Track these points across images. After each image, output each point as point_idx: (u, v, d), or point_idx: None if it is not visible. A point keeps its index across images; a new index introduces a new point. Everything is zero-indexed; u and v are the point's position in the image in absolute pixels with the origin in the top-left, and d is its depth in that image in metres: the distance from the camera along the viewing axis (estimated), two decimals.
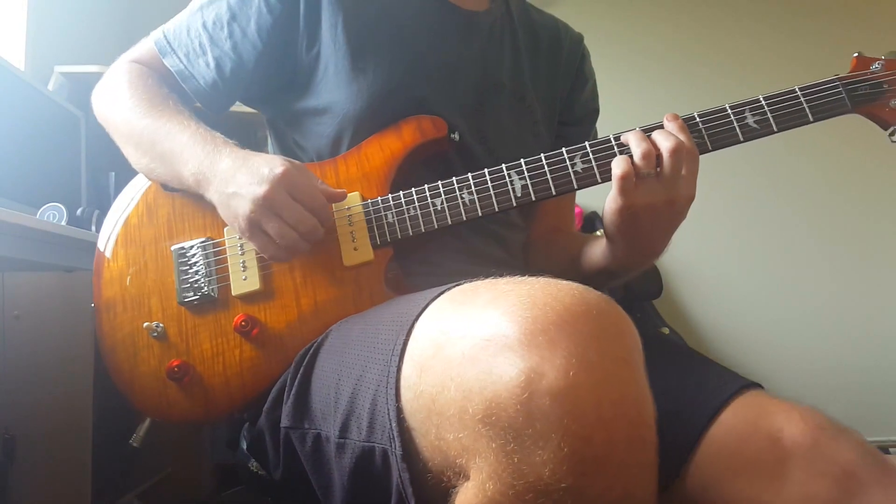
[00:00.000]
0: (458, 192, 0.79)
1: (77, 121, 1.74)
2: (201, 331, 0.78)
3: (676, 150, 0.73)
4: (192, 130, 0.79)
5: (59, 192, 1.52)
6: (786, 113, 0.77)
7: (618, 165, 0.74)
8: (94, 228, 1.39)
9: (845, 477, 0.60)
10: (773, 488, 0.61)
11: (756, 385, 0.71)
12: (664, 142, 0.73)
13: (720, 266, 2.62)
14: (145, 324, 0.78)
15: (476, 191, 0.79)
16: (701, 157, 0.77)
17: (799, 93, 0.77)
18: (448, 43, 0.91)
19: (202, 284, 0.78)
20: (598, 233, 2.43)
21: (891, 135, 0.78)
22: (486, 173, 0.79)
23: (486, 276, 0.63)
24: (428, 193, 0.79)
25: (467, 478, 0.48)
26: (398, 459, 0.54)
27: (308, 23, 0.85)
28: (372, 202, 0.80)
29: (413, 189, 0.80)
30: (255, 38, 0.85)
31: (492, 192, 0.79)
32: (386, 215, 0.79)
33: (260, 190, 0.71)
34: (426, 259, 0.83)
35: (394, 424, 0.54)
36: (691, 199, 0.75)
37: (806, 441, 0.62)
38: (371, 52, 0.85)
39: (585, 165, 0.78)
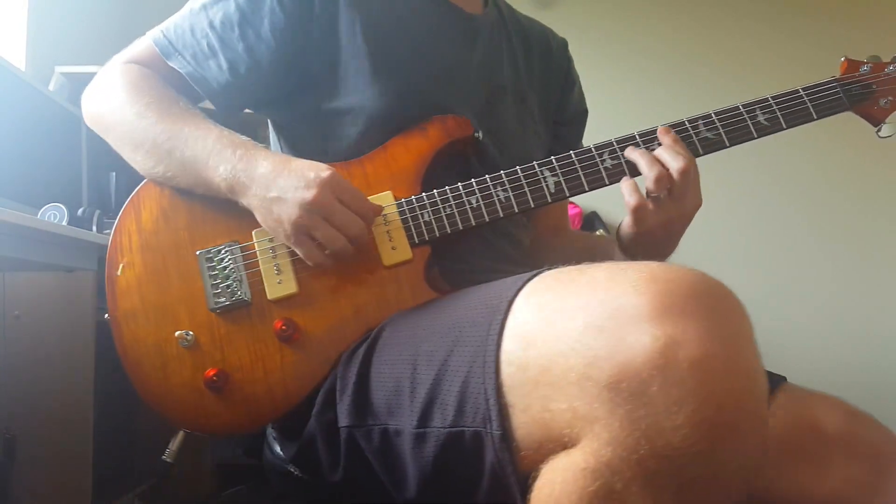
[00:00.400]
0: (492, 190, 0.80)
1: (78, 121, 1.74)
2: (236, 337, 0.75)
3: (686, 171, 0.75)
4: (217, 134, 0.77)
5: (60, 193, 1.52)
6: (792, 111, 0.82)
7: (631, 196, 0.77)
8: (94, 228, 1.39)
9: (877, 458, 0.66)
10: (819, 473, 0.67)
11: (783, 378, 0.76)
12: (673, 162, 0.76)
13: (718, 265, 2.61)
14: (177, 333, 0.74)
15: (511, 188, 0.80)
16: (709, 156, 0.81)
17: (802, 93, 0.83)
18: (455, 45, 0.92)
19: (235, 289, 0.76)
20: (598, 232, 2.43)
21: (878, 131, 0.86)
22: (519, 171, 0.81)
23: (516, 274, 0.71)
24: (462, 191, 0.80)
25: (572, 447, 0.50)
26: (496, 440, 0.55)
27: (323, 23, 0.84)
28: (406, 201, 0.80)
29: (447, 187, 0.81)
30: (269, 39, 0.83)
31: (526, 188, 0.80)
32: (422, 214, 0.79)
33: (308, 194, 0.70)
34: (459, 257, 0.85)
35: (492, 401, 0.55)
36: (699, 205, 0.79)
37: (844, 428, 0.68)
38: (389, 52, 0.85)
39: (614, 162, 0.81)
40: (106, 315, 0.78)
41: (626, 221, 0.80)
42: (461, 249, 0.85)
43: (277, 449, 0.82)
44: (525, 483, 0.54)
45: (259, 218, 0.75)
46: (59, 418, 1.31)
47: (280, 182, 0.72)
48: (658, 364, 0.45)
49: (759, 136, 0.82)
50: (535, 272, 0.61)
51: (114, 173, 1.73)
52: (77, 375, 1.32)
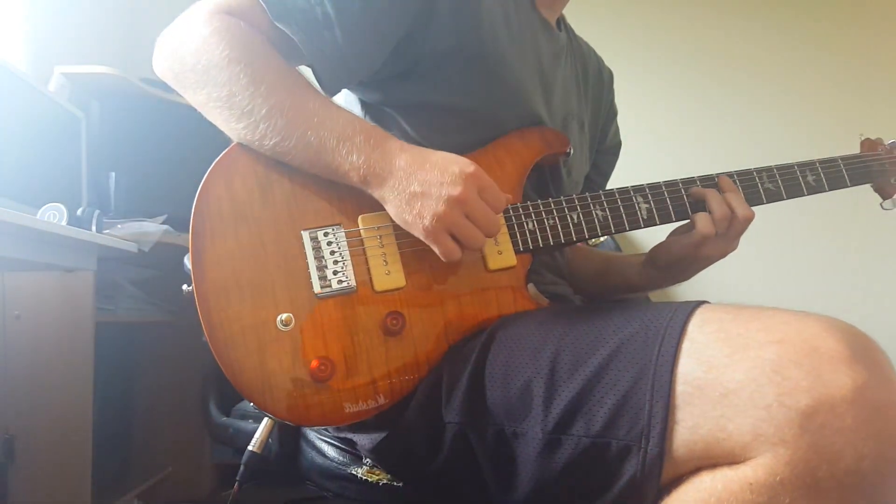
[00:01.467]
0: (592, 209, 0.83)
1: (78, 121, 1.74)
2: (339, 326, 0.72)
3: (749, 219, 0.86)
4: (345, 118, 0.73)
5: (60, 193, 1.52)
6: (833, 176, 0.94)
7: (705, 225, 0.84)
8: (94, 228, 1.39)
9: None
10: None
11: None
12: (740, 209, 0.85)
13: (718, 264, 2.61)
14: (281, 316, 0.70)
15: (609, 209, 0.83)
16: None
17: (840, 162, 0.95)
18: (549, 60, 0.93)
19: (343, 276, 0.73)
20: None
21: (882, 203, 1.02)
22: (616, 193, 0.84)
23: (564, 286, 0.87)
24: (565, 205, 0.82)
25: (740, 462, 0.54)
26: (649, 457, 0.57)
27: (442, 11, 0.81)
28: (512, 208, 0.80)
29: (550, 199, 0.82)
30: (392, 19, 0.78)
31: (622, 211, 0.83)
32: (527, 222, 0.80)
33: (455, 191, 0.69)
34: (533, 269, 0.85)
35: (657, 419, 0.57)
36: (734, 250, 0.89)
37: None
38: (500, 55, 0.85)
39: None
40: (186, 286, 0.73)
41: (682, 242, 0.87)
42: (536, 261, 0.86)
43: (332, 452, 0.81)
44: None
45: (393, 211, 0.72)
46: (59, 418, 1.31)
47: (422, 176, 0.70)
48: (853, 401, 0.51)
49: (808, 194, 0.92)
50: (696, 302, 0.64)
51: (114, 173, 1.73)
52: (77, 375, 1.32)
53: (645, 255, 0.95)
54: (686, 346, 0.59)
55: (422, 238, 0.72)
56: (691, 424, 0.56)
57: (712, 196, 0.85)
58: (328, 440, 0.83)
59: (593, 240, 2.61)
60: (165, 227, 1.49)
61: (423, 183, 0.70)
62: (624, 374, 0.61)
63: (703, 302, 0.65)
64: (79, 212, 1.39)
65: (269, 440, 0.86)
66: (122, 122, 1.81)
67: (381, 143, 0.72)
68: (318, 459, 0.82)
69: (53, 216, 1.30)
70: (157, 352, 1.88)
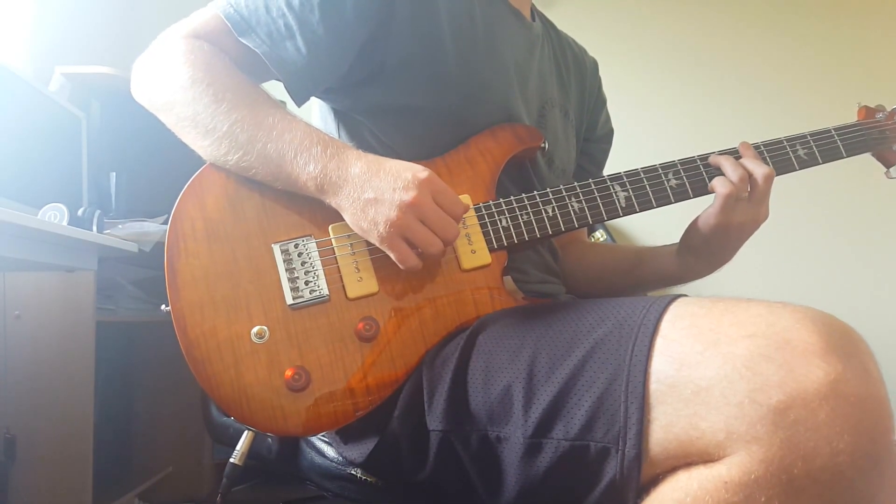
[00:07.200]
0: (567, 201, 0.82)
1: (78, 121, 1.74)
2: (314, 335, 0.72)
3: (770, 176, 0.83)
4: (304, 129, 0.74)
5: (61, 193, 1.52)
6: (826, 148, 0.90)
7: (723, 185, 0.82)
8: (94, 229, 1.39)
9: None
10: None
11: None
12: (758, 168, 0.83)
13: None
14: (255, 328, 0.71)
15: (585, 200, 0.82)
16: None
17: (834, 132, 0.92)
18: (521, 52, 0.93)
19: (315, 286, 0.74)
20: (597, 234, 2.43)
21: (887, 172, 0.97)
22: (592, 183, 0.83)
23: (555, 285, 0.84)
24: (539, 200, 0.81)
25: (715, 461, 0.53)
26: (627, 458, 0.57)
27: (403, 13, 0.81)
28: (484, 206, 0.80)
29: (524, 195, 0.81)
30: (351, 24, 0.79)
31: (599, 201, 0.83)
32: (500, 219, 0.80)
33: (407, 196, 0.69)
34: (516, 267, 0.86)
35: (633, 420, 0.57)
36: (767, 217, 0.86)
37: None
38: (466, 53, 0.85)
39: (678, 181, 0.85)
40: (164, 307, 0.73)
41: (708, 212, 0.84)
42: (519, 259, 0.86)
43: (331, 452, 0.81)
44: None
45: (350, 219, 0.73)
46: (59, 418, 1.31)
47: (376, 182, 0.70)
48: (827, 395, 0.50)
49: (800, 168, 0.89)
50: (671, 296, 0.63)
51: (114, 173, 1.73)
52: (77, 375, 1.33)
53: (679, 243, 0.93)
54: (659, 343, 0.59)
55: (377, 245, 0.72)
56: (665, 423, 0.56)
57: (726, 161, 0.84)
58: (328, 440, 0.83)
59: (591, 238, 2.60)
60: (166, 227, 1.49)
61: (377, 189, 0.70)
62: (599, 374, 0.60)
63: (680, 296, 0.64)
64: (79, 212, 1.39)
65: (269, 439, 0.86)
66: (122, 122, 1.81)
67: (337, 153, 0.72)
68: (318, 459, 0.83)
69: (54, 216, 1.31)
70: (157, 352, 1.88)
